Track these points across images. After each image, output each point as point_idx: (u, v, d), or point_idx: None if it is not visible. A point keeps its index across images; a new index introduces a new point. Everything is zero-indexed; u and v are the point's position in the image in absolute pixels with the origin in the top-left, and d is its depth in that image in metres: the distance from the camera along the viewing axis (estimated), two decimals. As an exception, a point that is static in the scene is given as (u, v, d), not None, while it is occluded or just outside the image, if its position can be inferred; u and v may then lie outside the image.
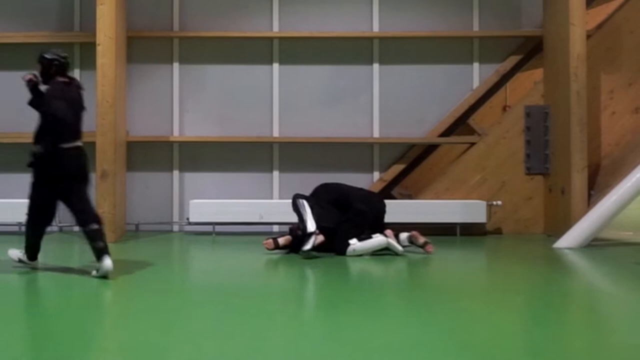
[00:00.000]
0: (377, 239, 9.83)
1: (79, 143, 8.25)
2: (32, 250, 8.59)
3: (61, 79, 8.24)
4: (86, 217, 8.18)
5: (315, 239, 9.56)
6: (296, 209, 9.93)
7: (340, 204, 10.08)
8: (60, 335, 5.02)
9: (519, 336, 5.97)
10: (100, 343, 4.90)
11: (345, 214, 10.03)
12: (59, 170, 8.05)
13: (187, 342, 5.48)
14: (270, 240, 9.96)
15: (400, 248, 9.84)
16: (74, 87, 8.41)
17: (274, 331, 5.98)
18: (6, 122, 12.42)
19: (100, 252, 7.94)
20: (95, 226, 8.10)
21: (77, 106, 8.35)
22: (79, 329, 5.87)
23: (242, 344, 5.41)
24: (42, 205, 8.31)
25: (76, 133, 8.26)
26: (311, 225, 9.65)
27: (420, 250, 10.02)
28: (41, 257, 8.66)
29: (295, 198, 10.04)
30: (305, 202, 9.87)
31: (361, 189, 10.78)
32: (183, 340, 5.53)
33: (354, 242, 9.73)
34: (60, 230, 12.21)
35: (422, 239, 10.06)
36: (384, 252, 9.82)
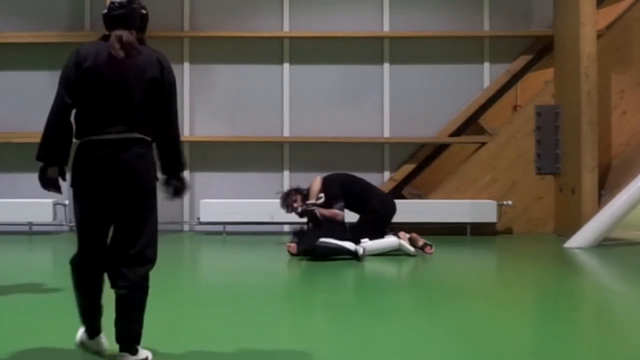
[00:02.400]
0: (389, 240, 9.83)
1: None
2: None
3: None
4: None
5: (363, 250, 9.58)
6: (325, 250, 9.58)
7: (360, 199, 10.03)
8: (71, 332, 5.03)
9: (530, 336, 5.97)
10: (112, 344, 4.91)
11: (361, 212, 10.09)
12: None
13: (197, 341, 5.49)
14: (294, 245, 9.79)
15: (412, 249, 9.79)
16: None
17: (283, 331, 5.99)
18: (17, 121, 12.44)
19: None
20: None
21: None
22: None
23: (251, 344, 5.42)
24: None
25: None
26: (350, 246, 9.57)
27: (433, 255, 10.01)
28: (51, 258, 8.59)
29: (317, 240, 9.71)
30: (327, 241, 9.60)
31: (378, 188, 10.75)
32: (193, 340, 5.53)
33: (365, 241, 9.69)
34: (71, 230, 12.21)
35: (421, 241, 10.04)
36: (393, 252, 9.80)
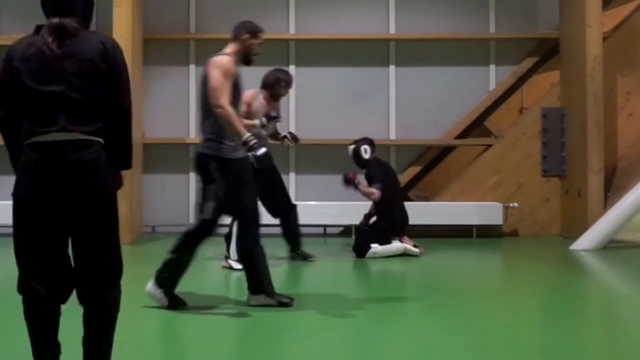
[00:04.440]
0: (396, 246, 10.06)
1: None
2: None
3: None
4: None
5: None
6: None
7: (387, 202, 10.15)
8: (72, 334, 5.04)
9: (537, 338, 5.97)
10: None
11: (380, 215, 10.23)
12: None
13: (200, 344, 5.50)
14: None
15: (416, 250, 10.08)
16: None
17: (291, 332, 6.00)
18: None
19: None
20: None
21: None
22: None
23: (256, 346, 5.43)
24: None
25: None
26: (398, 249, 10.06)
27: (423, 255, 10.12)
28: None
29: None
30: (377, 250, 9.99)
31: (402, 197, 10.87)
32: (196, 344, 5.55)
33: (375, 246, 9.94)
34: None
35: (411, 243, 10.23)
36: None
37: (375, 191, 9.96)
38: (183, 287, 6.64)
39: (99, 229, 4.04)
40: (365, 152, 10.26)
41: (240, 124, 6.39)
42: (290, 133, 9.92)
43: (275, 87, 9.56)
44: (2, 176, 12.69)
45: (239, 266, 9.12)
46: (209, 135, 6.52)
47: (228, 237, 9.19)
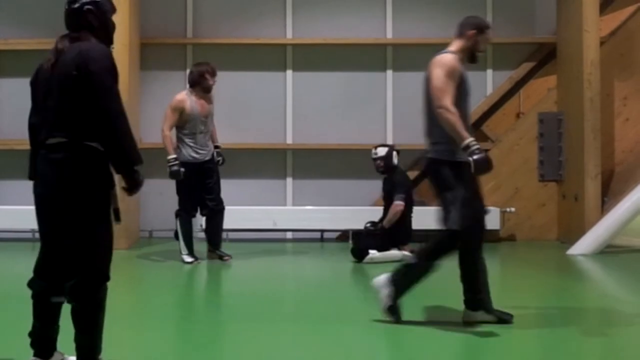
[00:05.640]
0: (394, 252, 10.07)
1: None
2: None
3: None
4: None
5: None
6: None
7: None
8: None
9: (533, 343, 5.97)
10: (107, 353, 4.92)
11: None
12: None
13: (197, 349, 5.50)
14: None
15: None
16: None
17: (286, 339, 6.00)
18: (20, 128, 12.40)
19: None
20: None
21: None
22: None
23: (253, 356, 5.43)
24: None
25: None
26: (396, 255, 9.96)
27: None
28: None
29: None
30: (375, 256, 10.01)
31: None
32: (192, 349, 5.54)
33: (373, 252, 9.99)
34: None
35: (408, 249, 10.27)
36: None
37: (399, 204, 10.00)
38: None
39: (68, 227, 4.38)
40: (395, 157, 10.25)
41: (462, 126, 5.91)
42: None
43: (202, 80, 9.92)
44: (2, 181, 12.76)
45: (190, 259, 9.39)
46: (439, 138, 6.15)
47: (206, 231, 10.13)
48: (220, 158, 10.22)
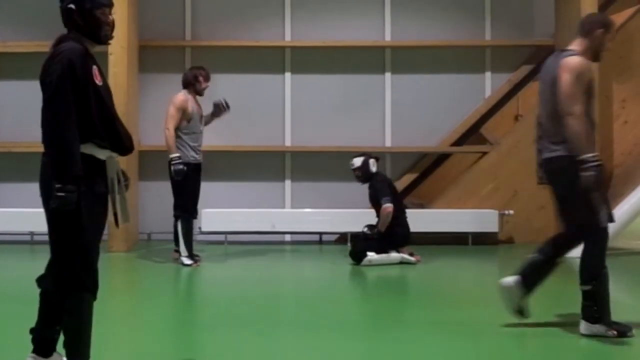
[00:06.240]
0: (393, 255, 10.12)
1: None
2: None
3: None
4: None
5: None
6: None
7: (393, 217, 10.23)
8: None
9: (532, 345, 5.96)
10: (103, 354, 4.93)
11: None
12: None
13: (194, 352, 5.49)
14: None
15: (412, 259, 10.17)
16: None
17: (284, 342, 6.00)
18: (19, 131, 12.44)
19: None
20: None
21: None
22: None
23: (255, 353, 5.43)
24: None
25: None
26: (395, 258, 10.14)
27: (421, 262, 10.20)
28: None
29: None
30: (373, 258, 10.06)
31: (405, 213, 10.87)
32: (190, 352, 5.54)
33: (371, 254, 10.00)
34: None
35: (407, 252, 10.36)
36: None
37: (388, 206, 10.01)
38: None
39: (50, 233, 4.39)
40: (373, 165, 10.30)
41: (584, 139, 5.78)
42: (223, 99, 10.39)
43: (195, 83, 9.97)
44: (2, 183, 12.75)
45: (189, 262, 9.42)
46: (560, 138, 6.04)
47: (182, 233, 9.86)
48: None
